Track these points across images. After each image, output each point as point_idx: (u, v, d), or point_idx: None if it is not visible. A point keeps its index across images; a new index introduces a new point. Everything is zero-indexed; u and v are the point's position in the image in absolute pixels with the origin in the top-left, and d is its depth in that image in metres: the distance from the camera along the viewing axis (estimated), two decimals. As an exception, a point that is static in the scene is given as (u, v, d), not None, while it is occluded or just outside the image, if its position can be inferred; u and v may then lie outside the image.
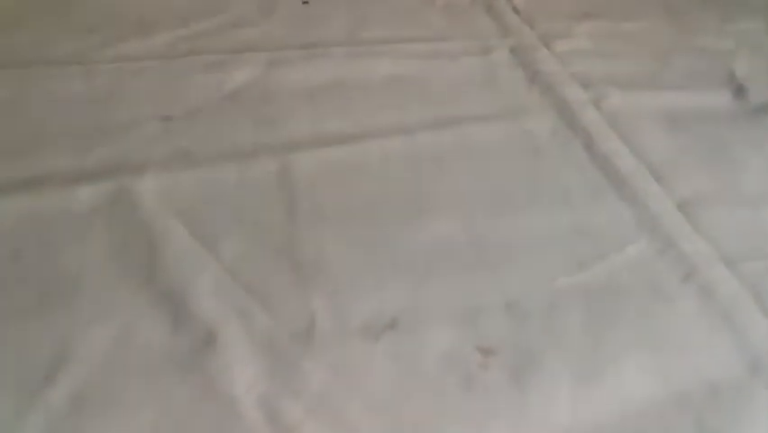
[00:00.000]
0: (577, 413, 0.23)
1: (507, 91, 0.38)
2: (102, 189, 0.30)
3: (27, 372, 0.23)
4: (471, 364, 0.24)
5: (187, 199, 0.30)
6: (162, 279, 0.26)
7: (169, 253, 0.27)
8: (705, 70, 0.41)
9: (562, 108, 0.36)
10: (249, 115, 0.34)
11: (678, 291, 0.28)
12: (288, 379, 0.23)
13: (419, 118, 0.35)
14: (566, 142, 0.35)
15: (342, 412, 0.22)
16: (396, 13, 0.43)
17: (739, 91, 0.39)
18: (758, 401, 0.24)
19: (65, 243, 0.28)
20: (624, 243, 0.30)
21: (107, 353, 0.24)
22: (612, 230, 0.30)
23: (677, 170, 0.33)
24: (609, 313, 0.27)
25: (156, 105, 0.35)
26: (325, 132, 0.34)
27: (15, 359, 0.23)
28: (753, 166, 0.34)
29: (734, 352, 0.25)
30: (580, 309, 0.27)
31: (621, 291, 0.28)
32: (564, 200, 0.31)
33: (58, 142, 0.32)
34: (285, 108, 0.35)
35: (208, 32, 0.39)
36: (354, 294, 0.27)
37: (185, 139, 0.33)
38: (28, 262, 0.27)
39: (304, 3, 0.43)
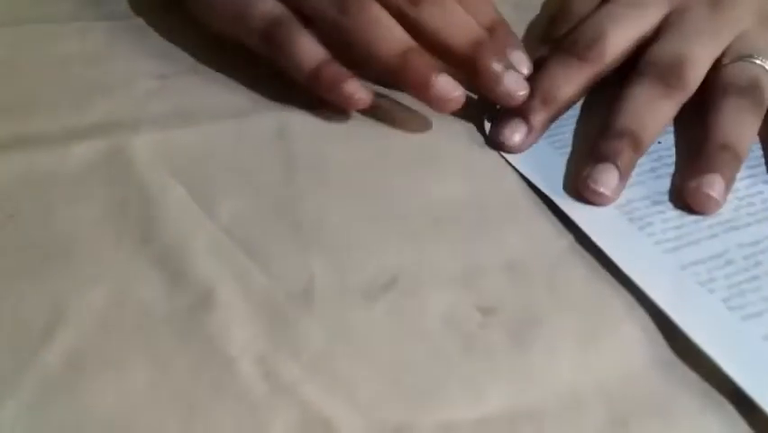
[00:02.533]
0: (579, 373, 0.23)
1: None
2: (97, 148, 0.29)
3: (22, 332, 0.23)
4: (472, 324, 0.24)
5: (184, 157, 0.29)
6: (159, 238, 0.26)
7: (166, 212, 0.27)
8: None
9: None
10: (247, 72, 0.33)
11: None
12: (286, 339, 0.23)
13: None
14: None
15: (341, 371, 0.22)
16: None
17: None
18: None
19: (60, 202, 0.27)
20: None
21: (103, 313, 0.23)
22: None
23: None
24: (612, 272, 0.26)
25: (152, 63, 0.34)
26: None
27: (11, 319, 0.23)
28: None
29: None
30: (583, 269, 0.26)
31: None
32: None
33: (52, 101, 0.32)
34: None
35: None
36: (354, 254, 0.26)
37: (181, 97, 0.32)
38: (23, 222, 0.26)
39: None
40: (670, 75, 0.30)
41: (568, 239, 0.28)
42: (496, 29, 0.32)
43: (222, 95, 0.32)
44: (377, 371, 0.23)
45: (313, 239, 0.27)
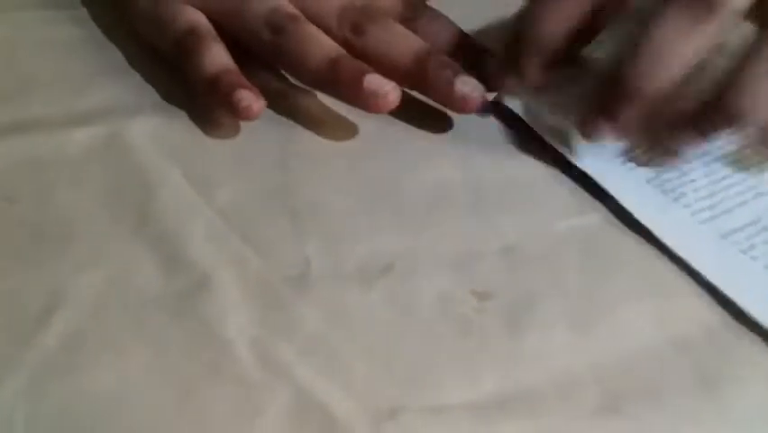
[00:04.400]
0: (573, 357, 0.23)
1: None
2: (96, 133, 0.29)
3: (20, 314, 0.23)
4: (467, 308, 0.24)
5: (182, 143, 0.29)
6: (156, 222, 0.26)
7: (163, 197, 0.27)
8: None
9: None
10: (248, 57, 0.33)
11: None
12: (281, 322, 0.23)
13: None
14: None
15: (336, 354, 0.22)
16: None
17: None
18: (754, 345, 0.24)
19: (59, 186, 0.27)
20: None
21: (101, 296, 0.23)
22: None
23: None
24: (608, 257, 0.26)
25: (150, 50, 0.34)
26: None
27: (9, 302, 0.23)
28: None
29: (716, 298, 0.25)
30: (579, 254, 0.27)
31: (621, 236, 0.27)
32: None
33: (51, 86, 0.32)
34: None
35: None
36: (350, 238, 0.26)
37: (180, 82, 0.32)
38: (22, 206, 0.26)
39: None
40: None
41: (564, 224, 0.28)
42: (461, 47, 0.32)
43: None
44: (372, 354, 0.23)
45: (309, 224, 0.27)
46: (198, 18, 0.31)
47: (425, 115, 0.31)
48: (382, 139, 0.31)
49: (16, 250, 0.25)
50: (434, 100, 0.30)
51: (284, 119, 0.31)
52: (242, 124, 0.30)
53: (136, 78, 0.32)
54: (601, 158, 0.29)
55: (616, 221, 0.28)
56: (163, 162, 0.28)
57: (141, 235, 0.25)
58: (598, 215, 0.28)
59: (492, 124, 0.31)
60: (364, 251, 0.26)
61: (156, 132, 0.29)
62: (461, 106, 0.29)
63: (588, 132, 0.29)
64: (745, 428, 0.22)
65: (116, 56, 0.33)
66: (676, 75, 0.27)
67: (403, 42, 0.30)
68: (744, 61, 0.26)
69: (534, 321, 0.24)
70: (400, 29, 0.30)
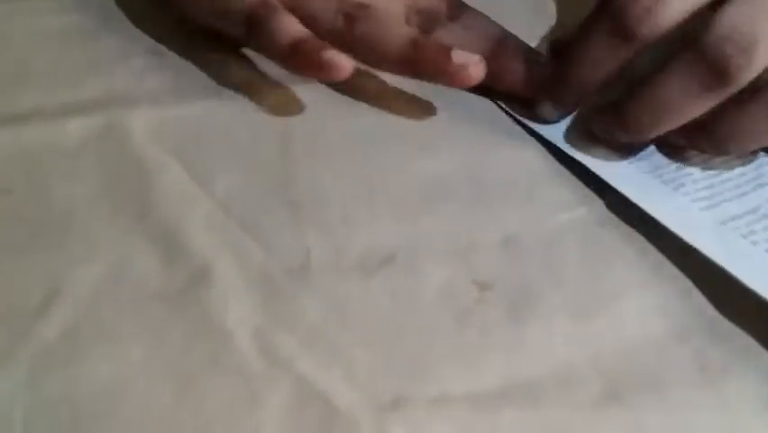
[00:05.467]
0: (574, 348, 0.23)
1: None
2: (92, 124, 0.29)
3: (18, 306, 0.23)
4: (467, 299, 0.24)
5: (181, 134, 0.29)
6: (155, 214, 0.26)
7: (162, 188, 0.27)
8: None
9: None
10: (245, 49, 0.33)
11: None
12: (282, 313, 0.23)
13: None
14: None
15: (337, 345, 0.22)
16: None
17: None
18: (753, 341, 0.24)
19: (56, 178, 0.27)
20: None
21: (99, 288, 0.23)
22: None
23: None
24: (609, 249, 0.26)
25: (148, 39, 0.34)
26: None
27: (7, 293, 0.23)
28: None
29: (732, 290, 0.25)
30: (579, 245, 0.26)
31: (621, 227, 0.27)
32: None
33: (47, 77, 0.31)
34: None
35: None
36: (350, 229, 0.26)
37: (177, 73, 0.32)
38: (18, 197, 0.26)
39: None
40: (723, 63, 0.25)
41: (565, 215, 0.28)
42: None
43: (218, 70, 0.32)
44: (373, 345, 0.23)
45: (309, 215, 0.27)
46: None
47: (425, 107, 0.31)
48: (383, 130, 0.30)
49: (13, 241, 0.25)
50: (432, 77, 0.30)
51: (283, 109, 0.31)
52: (242, 114, 0.30)
53: (133, 67, 0.32)
54: (599, 151, 0.29)
55: (616, 213, 0.28)
56: (161, 153, 0.28)
57: (140, 227, 0.25)
58: (598, 206, 0.28)
59: (493, 115, 0.31)
60: (365, 242, 0.26)
61: (154, 122, 0.29)
62: (462, 80, 0.29)
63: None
64: (745, 418, 0.22)
65: (113, 46, 0.33)
66: (670, 128, 0.27)
67: (393, 29, 0.30)
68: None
69: (535, 312, 0.24)
70: (389, 18, 0.30)
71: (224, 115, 0.30)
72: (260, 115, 0.30)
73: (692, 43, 0.25)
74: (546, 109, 0.30)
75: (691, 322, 0.24)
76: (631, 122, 0.27)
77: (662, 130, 0.27)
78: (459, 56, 0.28)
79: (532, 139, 0.30)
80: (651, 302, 0.25)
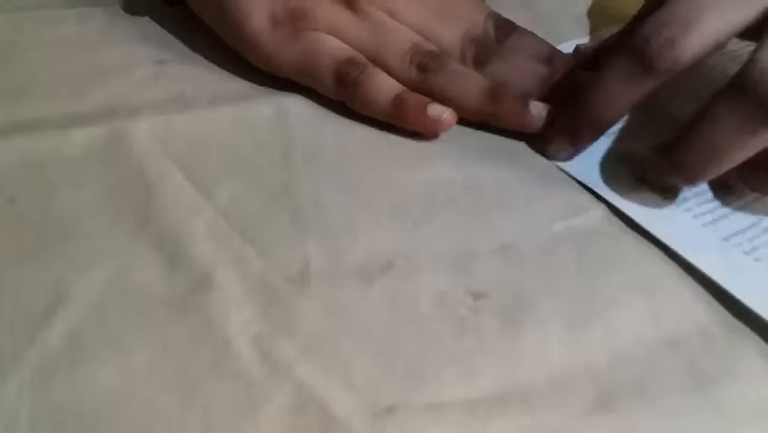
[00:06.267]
0: (568, 355, 0.23)
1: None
2: (96, 133, 0.30)
3: (23, 313, 0.23)
4: (463, 308, 0.25)
5: (183, 143, 0.30)
6: (157, 222, 0.26)
7: (164, 196, 0.27)
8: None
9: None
10: (244, 58, 0.34)
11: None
12: (282, 320, 0.23)
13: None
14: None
15: (335, 352, 0.23)
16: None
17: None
18: (748, 344, 0.24)
19: (60, 186, 0.27)
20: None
21: (103, 295, 0.24)
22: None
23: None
24: (604, 257, 0.27)
25: (150, 49, 0.35)
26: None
27: (11, 300, 0.23)
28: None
29: (726, 297, 0.25)
30: (575, 253, 0.27)
31: (617, 236, 0.28)
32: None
33: (52, 86, 0.32)
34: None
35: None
36: (350, 237, 0.27)
37: (179, 82, 0.33)
38: (23, 206, 0.27)
39: None
40: (764, 104, 0.24)
41: (561, 224, 0.28)
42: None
43: (220, 80, 0.33)
44: (371, 352, 0.23)
45: (309, 223, 0.27)
46: (346, 46, 0.31)
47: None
48: (382, 139, 0.31)
49: (18, 249, 0.25)
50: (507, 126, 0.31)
51: (285, 118, 0.31)
52: (244, 123, 0.31)
53: (137, 77, 0.32)
54: (597, 165, 0.30)
55: (613, 221, 0.28)
56: (164, 162, 0.28)
57: (143, 235, 0.26)
58: (595, 214, 0.28)
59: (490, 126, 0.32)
60: (364, 249, 0.26)
61: (156, 132, 0.30)
62: (434, 129, 0.30)
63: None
64: (737, 426, 0.22)
65: (116, 56, 0.33)
66: (727, 168, 0.26)
67: (469, 81, 0.31)
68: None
69: (530, 319, 0.24)
70: (462, 68, 0.31)
71: (227, 125, 0.31)
72: (262, 124, 0.31)
73: (736, 81, 0.24)
74: (559, 145, 0.30)
75: (686, 331, 0.24)
76: (681, 166, 0.27)
77: (714, 173, 0.26)
78: (434, 110, 0.30)
79: (529, 148, 0.31)
80: (646, 310, 0.25)
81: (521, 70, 0.32)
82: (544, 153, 0.30)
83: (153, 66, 0.33)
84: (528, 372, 0.23)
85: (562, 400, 0.22)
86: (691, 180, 0.27)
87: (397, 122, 0.31)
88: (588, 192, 0.29)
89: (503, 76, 0.31)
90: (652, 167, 0.28)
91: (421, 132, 0.31)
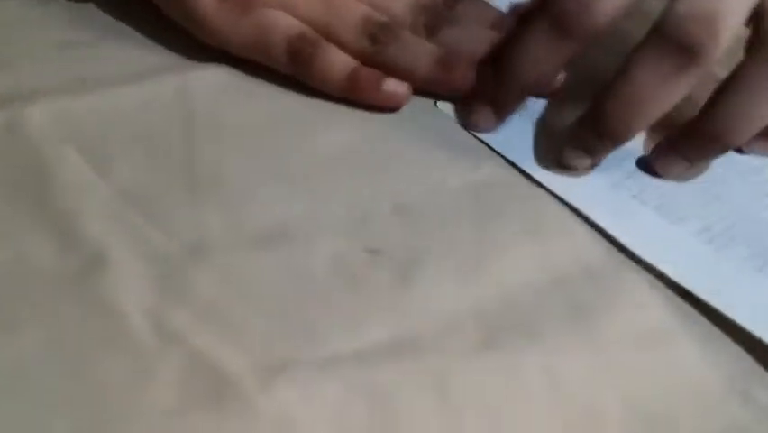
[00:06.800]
0: (458, 302, 0.24)
1: None
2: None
3: None
4: (359, 265, 0.25)
5: (81, 125, 0.30)
6: (51, 204, 0.26)
7: (59, 178, 0.27)
8: None
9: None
10: (152, 37, 0.33)
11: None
12: (177, 290, 0.24)
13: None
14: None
15: (229, 318, 0.23)
16: None
17: None
18: (633, 280, 0.25)
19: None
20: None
21: (-3, 278, 0.24)
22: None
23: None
24: (498, 208, 0.28)
25: (55, 33, 0.34)
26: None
27: None
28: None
29: (599, 236, 0.26)
30: (470, 207, 0.28)
31: (511, 186, 0.28)
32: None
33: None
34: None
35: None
36: (248, 207, 0.27)
37: (81, 65, 0.33)
38: None
39: None
40: (689, 40, 0.25)
41: (458, 180, 0.29)
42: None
43: (123, 62, 0.33)
44: (264, 314, 0.24)
45: (208, 195, 0.27)
46: (297, 22, 0.31)
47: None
48: (287, 109, 0.31)
49: None
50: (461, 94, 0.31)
51: (187, 95, 0.31)
52: (145, 102, 0.31)
53: (37, 62, 0.32)
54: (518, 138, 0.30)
55: (508, 172, 0.29)
56: (61, 144, 0.28)
57: (37, 216, 0.26)
58: (491, 168, 0.29)
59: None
60: (261, 218, 0.27)
61: (54, 115, 0.29)
62: (391, 104, 0.31)
63: (564, 162, 0.29)
64: (612, 353, 0.23)
65: (21, 41, 0.33)
66: (653, 119, 0.27)
67: (420, 51, 0.31)
68: (725, 84, 0.26)
69: (423, 273, 0.25)
70: (413, 38, 0.31)
71: (129, 104, 0.31)
72: (164, 101, 0.31)
73: (655, 29, 0.25)
74: (484, 115, 0.30)
75: (571, 270, 0.25)
76: (609, 123, 0.27)
77: (642, 125, 0.27)
78: (389, 85, 0.30)
79: (435, 109, 0.31)
80: (535, 253, 0.26)
81: (472, 36, 0.32)
82: (466, 125, 0.30)
83: (56, 50, 0.33)
84: (418, 320, 0.24)
85: (449, 343, 0.23)
86: (617, 137, 0.27)
87: (353, 97, 0.31)
88: (485, 148, 0.30)
89: (454, 42, 0.31)
90: (576, 135, 0.28)
91: (377, 106, 0.31)
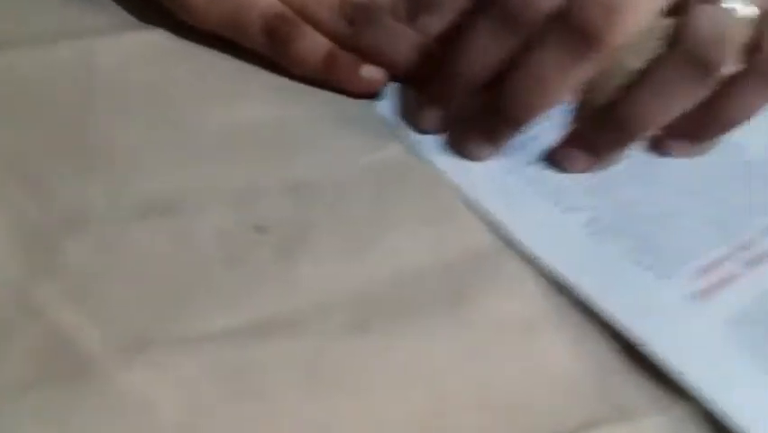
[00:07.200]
0: (339, 282, 0.24)
1: None
2: None
3: None
4: (244, 242, 0.25)
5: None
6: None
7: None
8: None
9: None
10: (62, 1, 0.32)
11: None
12: (45, 264, 0.23)
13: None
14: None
15: (98, 294, 0.23)
16: None
17: None
18: (508, 269, 0.25)
19: None
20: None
21: None
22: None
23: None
24: (398, 189, 0.27)
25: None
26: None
27: None
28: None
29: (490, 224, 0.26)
30: (371, 187, 0.27)
31: (414, 168, 0.28)
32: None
33: None
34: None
35: None
36: (136, 177, 0.26)
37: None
38: None
39: None
40: (587, 26, 0.24)
41: (363, 159, 0.28)
42: None
43: (19, 21, 0.31)
44: (136, 290, 0.23)
45: (96, 165, 0.26)
46: (276, 1, 0.30)
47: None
48: (194, 79, 0.30)
49: None
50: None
51: (90, 61, 0.30)
52: (46, 66, 0.29)
53: None
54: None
55: (413, 156, 0.28)
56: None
57: None
58: (396, 149, 0.28)
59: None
60: (149, 189, 0.26)
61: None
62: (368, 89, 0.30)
63: (464, 149, 0.28)
64: (478, 340, 0.23)
65: None
66: (552, 103, 0.26)
67: (400, 37, 0.30)
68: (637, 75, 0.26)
69: (309, 251, 0.25)
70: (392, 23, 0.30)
71: (27, 66, 0.30)
72: (66, 66, 0.30)
73: (559, 12, 0.24)
74: (429, 114, 0.29)
75: (458, 255, 0.25)
76: (508, 105, 0.26)
77: (540, 109, 0.26)
78: (368, 71, 0.29)
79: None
80: (425, 236, 0.25)
81: (444, 26, 0.30)
82: (415, 125, 0.29)
83: None
84: (296, 299, 0.23)
85: (324, 324, 0.23)
86: (516, 120, 0.27)
87: (329, 79, 0.30)
88: (393, 127, 0.29)
89: (435, 29, 0.30)
90: (477, 118, 0.28)
91: (353, 91, 0.29)
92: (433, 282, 0.24)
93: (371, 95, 0.30)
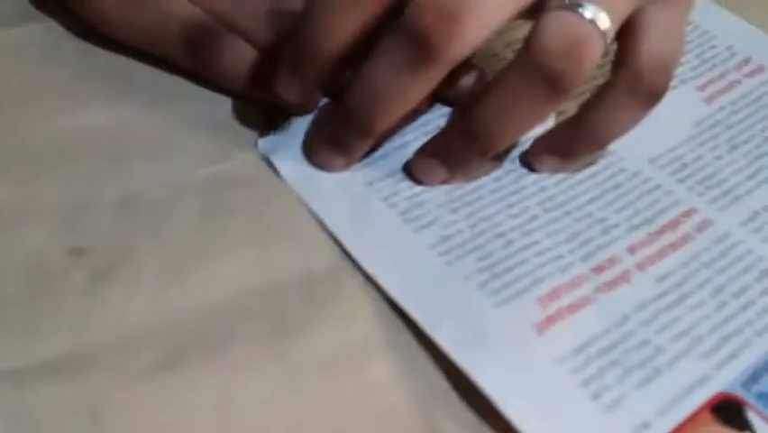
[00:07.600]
0: (152, 313, 0.22)
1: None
2: None
3: None
4: (56, 268, 0.23)
5: None
6: None
7: None
8: None
9: None
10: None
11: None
12: None
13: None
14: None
15: None
16: None
17: None
18: (343, 293, 0.23)
19: None
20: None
21: None
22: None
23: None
24: (231, 205, 0.25)
25: None
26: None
27: None
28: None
29: (333, 243, 0.24)
30: (203, 203, 0.25)
31: (257, 183, 0.26)
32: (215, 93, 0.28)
33: None
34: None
35: None
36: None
37: None
38: None
39: None
40: (423, 33, 0.22)
41: (204, 171, 0.26)
42: None
43: None
44: None
45: None
46: (198, 11, 0.27)
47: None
48: (38, 83, 0.28)
49: None
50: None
51: None
52: None
53: None
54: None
55: (259, 167, 0.26)
56: None
57: None
58: (241, 161, 0.26)
59: (153, 74, 0.29)
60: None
61: None
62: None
63: (316, 158, 0.26)
64: (297, 371, 0.21)
65: None
66: (394, 115, 0.24)
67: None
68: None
69: (123, 278, 0.23)
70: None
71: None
72: None
73: (399, 21, 0.22)
74: (330, 158, 0.26)
75: (287, 281, 0.23)
76: (351, 115, 0.24)
77: (383, 120, 0.24)
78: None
79: (195, 94, 0.28)
80: (252, 260, 0.24)
81: None
82: (313, 160, 0.26)
83: None
84: (100, 333, 0.21)
85: (126, 361, 0.21)
86: (362, 132, 0.25)
87: (253, 93, 0.27)
88: (241, 138, 0.27)
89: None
90: (327, 129, 0.26)
91: (282, 105, 0.27)
92: (257, 310, 0.22)
93: (307, 107, 0.27)
